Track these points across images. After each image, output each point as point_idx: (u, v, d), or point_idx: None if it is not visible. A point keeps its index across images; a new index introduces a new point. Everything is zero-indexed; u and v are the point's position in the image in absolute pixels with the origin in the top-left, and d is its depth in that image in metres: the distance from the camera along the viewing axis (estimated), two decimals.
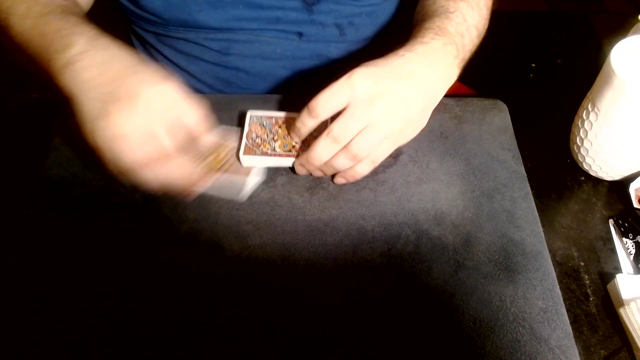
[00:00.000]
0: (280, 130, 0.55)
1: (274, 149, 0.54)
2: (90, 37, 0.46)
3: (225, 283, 0.47)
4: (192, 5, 0.62)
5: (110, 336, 0.44)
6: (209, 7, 0.63)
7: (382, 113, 0.46)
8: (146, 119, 0.42)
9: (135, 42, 0.75)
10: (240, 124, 0.58)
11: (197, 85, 0.72)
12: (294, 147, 0.54)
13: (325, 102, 0.46)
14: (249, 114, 0.57)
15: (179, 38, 0.67)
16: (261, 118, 0.56)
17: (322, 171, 0.51)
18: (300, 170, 0.53)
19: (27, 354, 0.43)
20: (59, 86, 0.45)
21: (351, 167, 0.50)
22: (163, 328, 0.44)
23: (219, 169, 0.52)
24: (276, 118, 0.56)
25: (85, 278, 0.47)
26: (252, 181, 0.53)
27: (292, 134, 0.52)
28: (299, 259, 0.48)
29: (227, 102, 0.61)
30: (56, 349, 0.43)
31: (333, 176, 0.53)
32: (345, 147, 0.47)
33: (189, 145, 0.47)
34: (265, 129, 0.55)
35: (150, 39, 0.71)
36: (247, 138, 0.54)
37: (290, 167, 0.54)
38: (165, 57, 0.71)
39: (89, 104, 0.43)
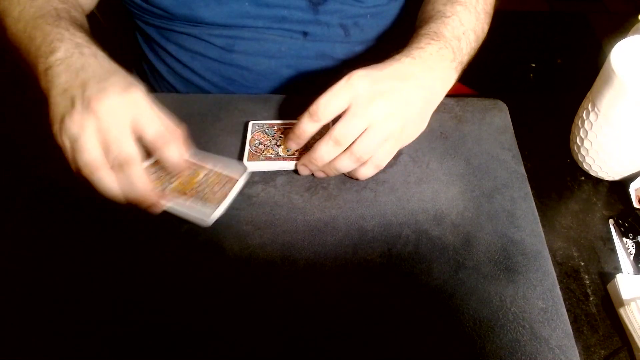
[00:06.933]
0: (283, 136, 0.55)
1: (277, 154, 0.54)
2: (75, 44, 0.47)
3: (225, 283, 0.47)
4: (198, 1, 0.63)
5: (110, 336, 0.44)
6: (214, 3, 0.63)
7: (382, 113, 0.47)
8: (107, 123, 0.43)
9: (140, 39, 0.76)
10: (241, 125, 0.58)
11: (200, 82, 0.72)
12: (297, 150, 0.54)
13: (326, 105, 0.46)
14: (251, 123, 0.57)
15: (183, 33, 0.68)
16: (263, 126, 0.57)
17: (324, 172, 0.51)
18: (302, 170, 0.53)
19: (27, 354, 0.43)
20: (40, 88, 0.47)
21: (355, 170, 0.50)
22: (163, 328, 0.44)
23: (189, 192, 0.50)
24: (278, 125, 0.57)
25: (85, 278, 0.47)
26: (222, 209, 0.50)
27: (292, 140, 0.50)
28: (299, 259, 0.48)
29: (227, 102, 0.61)
30: (56, 349, 0.43)
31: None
32: (348, 149, 0.48)
33: (154, 154, 0.46)
34: (268, 135, 0.56)
35: (155, 35, 0.71)
36: (249, 145, 0.55)
37: (293, 170, 0.54)
38: (169, 53, 0.71)
39: (58, 105, 0.45)
